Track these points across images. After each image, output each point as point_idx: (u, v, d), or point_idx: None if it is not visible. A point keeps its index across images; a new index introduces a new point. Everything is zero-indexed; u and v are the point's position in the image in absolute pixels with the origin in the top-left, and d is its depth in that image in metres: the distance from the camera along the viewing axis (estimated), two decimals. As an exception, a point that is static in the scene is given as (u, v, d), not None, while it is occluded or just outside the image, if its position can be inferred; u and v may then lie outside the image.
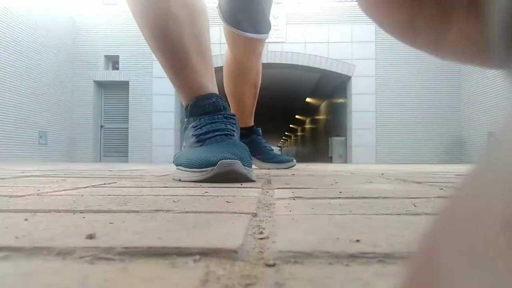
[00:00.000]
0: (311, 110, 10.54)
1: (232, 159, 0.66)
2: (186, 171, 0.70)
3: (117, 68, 5.93)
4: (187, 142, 0.82)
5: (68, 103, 5.71)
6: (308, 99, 9.18)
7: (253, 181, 0.68)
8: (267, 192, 0.52)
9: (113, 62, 6.03)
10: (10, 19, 4.49)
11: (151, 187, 0.57)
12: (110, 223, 0.26)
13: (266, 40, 1.31)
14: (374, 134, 5.77)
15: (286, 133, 17.89)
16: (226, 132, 0.77)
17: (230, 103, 1.43)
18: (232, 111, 0.97)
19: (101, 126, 6.04)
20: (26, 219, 0.27)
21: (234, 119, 0.82)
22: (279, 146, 24.02)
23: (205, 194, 0.46)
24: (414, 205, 0.37)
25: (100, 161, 5.87)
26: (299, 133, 15.34)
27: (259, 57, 1.37)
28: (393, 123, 5.76)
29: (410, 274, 0.08)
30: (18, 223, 0.26)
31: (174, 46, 0.80)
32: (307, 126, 12.47)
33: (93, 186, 0.60)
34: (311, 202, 0.39)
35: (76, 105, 5.81)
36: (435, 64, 5.66)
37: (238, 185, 0.61)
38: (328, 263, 0.17)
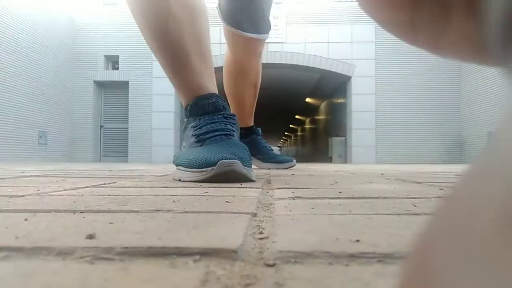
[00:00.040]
0: (311, 110, 10.54)
1: (232, 159, 0.66)
2: (186, 171, 0.70)
3: (117, 68, 5.93)
4: (187, 142, 0.82)
5: (68, 103, 5.71)
6: (308, 99, 9.18)
7: (253, 181, 0.68)
8: (267, 192, 0.52)
9: (113, 62, 6.03)
10: (10, 19, 4.49)
11: (151, 187, 0.57)
12: (110, 223, 0.26)
13: (266, 40, 1.31)
14: (374, 134, 5.77)
15: (286, 133, 17.90)
16: (226, 132, 0.77)
17: (230, 103, 1.43)
18: (232, 111, 0.97)
19: (101, 126, 6.04)
20: (26, 219, 0.27)
21: (234, 119, 0.82)
22: (279, 146, 24.02)
23: (205, 194, 0.46)
24: (414, 205, 0.37)
25: (100, 161, 5.87)
26: (299, 133, 15.34)
27: (259, 57, 1.37)
28: (393, 123, 5.76)
29: (407, 274, 0.08)
30: (18, 223, 0.26)
31: (174, 46, 0.80)
32: (307, 126, 12.47)
33: (93, 186, 0.60)
34: (311, 202, 0.39)
35: (76, 105, 5.81)
36: (435, 64, 5.66)
37: (238, 185, 0.61)
38: (328, 263, 0.17)
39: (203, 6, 0.85)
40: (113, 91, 6.00)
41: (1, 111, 4.39)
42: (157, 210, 0.32)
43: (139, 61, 5.77)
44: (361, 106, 5.80)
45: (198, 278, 0.15)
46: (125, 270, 0.16)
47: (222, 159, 0.65)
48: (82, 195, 0.44)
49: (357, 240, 0.21)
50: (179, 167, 0.75)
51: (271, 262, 0.17)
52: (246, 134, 1.48)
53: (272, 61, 5.79)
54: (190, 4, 0.81)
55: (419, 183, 0.72)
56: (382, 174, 1.09)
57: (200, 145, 0.76)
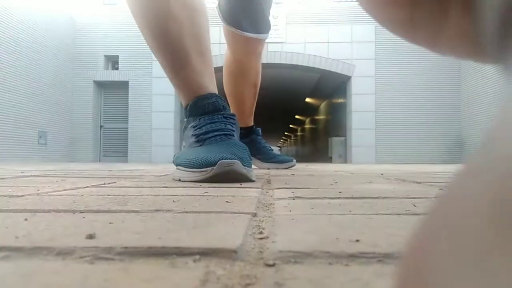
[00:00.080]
0: (311, 110, 10.54)
1: (231, 159, 0.66)
2: (186, 171, 0.70)
3: (117, 68, 5.93)
4: (186, 142, 0.82)
5: (68, 103, 5.71)
6: (308, 99, 9.18)
7: (253, 181, 0.68)
8: (267, 192, 0.52)
9: (112, 62, 6.02)
10: (10, 19, 4.49)
11: (150, 187, 0.57)
12: (110, 223, 0.26)
13: (266, 40, 1.31)
14: (374, 134, 5.77)
15: (286, 133, 17.90)
16: (225, 132, 0.77)
17: (229, 103, 1.43)
18: (231, 111, 0.97)
19: (101, 126, 6.04)
20: (26, 219, 0.27)
21: (234, 119, 0.82)
22: (279, 146, 24.02)
23: (205, 194, 0.46)
24: (414, 205, 0.37)
25: (99, 161, 5.87)
26: (299, 133, 15.35)
27: (259, 57, 1.37)
28: (393, 123, 5.76)
29: (402, 274, 0.08)
30: (18, 223, 0.26)
31: (174, 46, 0.80)
32: (307, 126, 12.47)
33: (93, 186, 0.60)
34: (311, 202, 0.39)
35: (76, 105, 5.81)
36: (435, 64, 5.66)
37: (238, 185, 0.61)
38: (328, 263, 0.17)
39: (203, 6, 0.85)
40: (113, 91, 6.00)
41: (1, 111, 4.39)
42: (157, 210, 0.32)
43: (139, 61, 5.77)
44: (361, 106, 5.80)
45: (198, 278, 0.15)
46: (125, 270, 0.16)
47: (222, 159, 0.65)
48: (82, 195, 0.44)
49: (357, 240, 0.21)
50: (179, 167, 0.75)
51: (271, 262, 0.17)
52: (246, 134, 1.48)
53: (272, 61, 5.79)
54: (190, 4, 0.81)
55: (419, 183, 0.72)
56: (382, 174, 1.09)
57: (200, 145, 0.76)
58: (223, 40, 1.34)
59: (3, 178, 0.80)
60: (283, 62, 5.86)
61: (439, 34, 0.22)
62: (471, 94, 5.51)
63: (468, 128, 5.60)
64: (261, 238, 0.22)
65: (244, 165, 0.67)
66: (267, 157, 1.53)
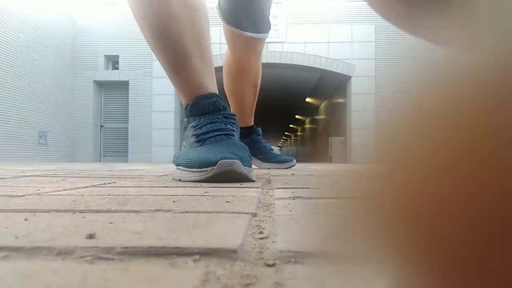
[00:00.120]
0: (311, 110, 10.53)
1: (232, 159, 0.66)
2: (186, 171, 0.70)
3: (117, 68, 5.93)
4: (187, 142, 0.82)
5: (68, 103, 5.71)
6: (308, 99, 9.17)
7: (253, 181, 0.68)
8: (267, 192, 0.52)
9: (113, 62, 6.02)
10: (10, 19, 4.49)
11: (151, 187, 0.57)
12: (110, 223, 0.26)
13: (266, 40, 1.31)
14: (374, 134, 5.77)
15: (286, 133, 17.90)
16: (226, 132, 0.77)
17: (230, 103, 1.43)
18: (232, 111, 0.97)
19: (101, 126, 6.04)
20: (26, 219, 0.27)
21: (234, 119, 0.82)
22: (279, 146, 24.02)
23: (205, 194, 0.46)
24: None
25: (100, 161, 5.87)
26: (299, 133, 15.35)
27: (259, 56, 1.37)
28: (393, 123, 5.76)
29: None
30: (18, 223, 0.26)
31: (174, 46, 0.80)
32: (307, 126, 12.47)
33: (93, 186, 0.60)
34: (311, 202, 0.39)
35: (76, 105, 5.81)
36: (435, 64, 5.65)
37: (238, 185, 0.61)
38: (328, 262, 0.17)
39: (204, 6, 0.85)
40: (113, 91, 6.00)
41: (1, 111, 4.39)
42: (157, 210, 0.32)
43: (139, 61, 5.77)
44: (361, 106, 5.80)
45: (198, 278, 0.15)
46: (125, 270, 0.16)
47: (222, 159, 0.65)
48: (82, 195, 0.44)
49: (357, 240, 0.21)
50: (179, 167, 0.75)
51: (271, 262, 0.17)
52: (246, 134, 1.48)
53: (272, 61, 5.78)
54: (190, 5, 0.81)
55: (419, 183, 0.72)
56: (382, 174, 1.09)
57: (200, 145, 0.76)
58: (223, 40, 1.34)
59: (3, 178, 0.80)
60: (283, 62, 5.86)
61: (440, 26, 0.23)
62: (471, 94, 5.51)
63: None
64: (261, 238, 0.22)
65: (244, 165, 0.67)
66: (267, 157, 1.53)
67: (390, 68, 5.77)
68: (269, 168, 1.49)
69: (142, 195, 0.45)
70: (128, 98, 5.86)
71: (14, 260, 0.17)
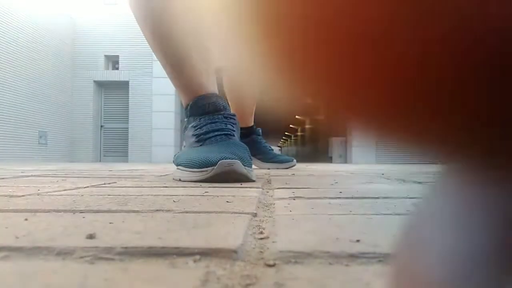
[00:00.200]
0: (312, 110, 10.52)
1: (232, 159, 0.66)
2: (186, 171, 0.70)
3: (117, 68, 5.93)
4: (187, 142, 0.82)
5: (68, 103, 5.71)
6: (308, 99, 9.16)
7: (253, 181, 0.68)
8: (267, 192, 0.52)
9: (113, 62, 6.02)
10: (10, 19, 4.49)
11: (151, 187, 0.57)
12: (110, 223, 0.26)
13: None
14: (374, 134, 5.77)
15: (286, 133, 17.90)
16: (226, 132, 0.77)
17: (230, 103, 1.43)
18: (232, 111, 0.97)
19: (101, 126, 6.04)
20: (26, 219, 0.27)
21: (234, 119, 0.82)
22: (279, 146, 24.02)
23: (205, 194, 0.46)
24: (414, 205, 0.37)
25: (100, 161, 5.87)
26: (299, 133, 15.34)
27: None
28: (393, 123, 5.76)
29: (394, 272, 0.08)
30: (18, 223, 0.26)
31: (175, 47, 0.80)
32: (307, 126, 12.47)
33: (93, 186, 0.60)
34: (311, 202, 0.39)
35: (76, 105, 5.81)
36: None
37: (238, 185, 0.61)
38: (328, 263, 0.17)
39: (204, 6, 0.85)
40: (113, 91, 6.00)
41: (1, 111, 4.39)
42: (157, 210, 0.32)
43: (139, 61, 5.77)
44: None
45: (198, 278, 0.15)
46: (125, 270, 0.16)
47: (222, 159, 0.65)
48: (82, 195, 0.44)
49: (357, 240, 0.21)
50: (179, 167, 0.75)
51: (271, 262, 0.17)
52: (246, 134, 1.48)
53: (272, 61, 5.78)
54: (191, 5, 0.81)
55: (420, 183, 0.72)
56: (382, 174, 1.09)
57: (201, 145, 0.76)
58: (223, 40, 1.34)
59: (3, 178, 0.80)
60: (283, 62, 5.86)
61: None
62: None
63: (468, 128, 5.60)
64: (261, 238, 0.22)
65: (244, 165, 0.67)
66: (267, 157, 1.53)
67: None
68: (269, 168, 1.49)
69: (142, 195, 0.45)
70: (128, 98, 5.86)
71: (14, 260, 0.17)
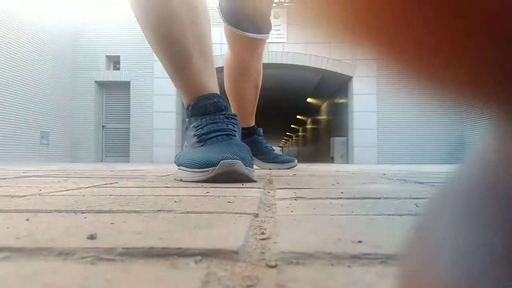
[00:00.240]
0: (313, 110, 10.53)
1: (233, 159, 0.66)
2: (188, 171, 0.70)
3: (118, 68, 5.94)
4: (188, 142, 0.82)
5: (69, 104, 5.73)
6: (309, 99, 9.17)
7: (255, 181, 0.68)
8: (269, 192, 0.52)
9: (114, 62, 6.04)
10: (12, 20, 4.50)
11: (152, 187, 0.57)
12: (112, 223, 0.26)
13: (267, 40, 1.31)
14: (376, 134, 5.77)
15: (287, 133, 17.90)
16: (227, 132, 0.77)
17: (231, 103, 1.43)
18: (233, 111, 0.97)
19: (103, 126, 6.05)
20: (27, 219, 0.27)
21: (236, 119, 0.82)
22: (280, 146, 24.02)
23: (207, 194, 0.46)
24: (416, 206, 0.37)
25: (101, 161, 5.88)
26: (300, 133, 15.34)
27: (260, 57, 1.37)
28: (394, 123, 5.75)
29: (402, 274, 0.08)
30: (20, 223, 0.26)
31: (176, 47, 0.80)
32: (309, 126, 12.46)
33: (95, 186, 0.60)
34: (313, 203, 0.39)
35: (77, 105, 5.82)
36: (436, 64, 5.65)
37: (240, 185, 0.61)
38: (330, 264, 0.17)
39: (205, 6, 0.85)
40: (115, 91, 6.01)
41: (3, 112, 4.40)
42: (158, 210, 0.32)
43: (140, 61, 5.78)
44: (363, 106, 5.79)
45: (199, 279, 0.15)
46: (126, 271, 0.16)
47: (224, 159, 0.65)
48: (84, 195, 0.44)
49: (359, 241, 0.21)
50: (180, 167, 0.75)
51: (272, 263, 0.17)
52: (248, 134, 1.48)
53: (273, 61, 5.78)
54: (191, 5, 0.81)
55: (421, 183, 0.72)
56: (384, 174, 1.09)
57: (202, 145, 0.76)
58: (224, 40, 1.34)
59: (5, 178, 0.80)
60: (284, 62, 5.86)
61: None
62: (473, 94, 5.49)
63: (470, 129, 5.59)
64: (262, 239, 0.22)
65: (245, 165, 0.67)
66: (268, 157, 1.53)
67: (392, 68, 5.76)
68: (270, 169, 1.49)
69: (143, 195, 0.45)
70: (129, 99, 5.87)
71: (15, 260, 0.17)
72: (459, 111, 5.45)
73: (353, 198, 0.43)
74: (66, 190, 0.51)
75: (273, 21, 1.30)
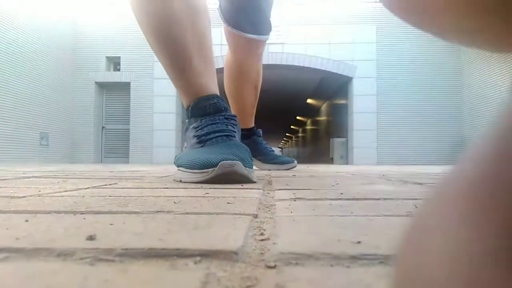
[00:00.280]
0: (312, 111, 10.53)
1: (233, 160, 0.66)
2: (187, 172, 0.70)
3: (119, 69, 5.94)
4: (188, 143, 0.82)
5: (69, 104, 5.73)
6: (309, 100, 9.17)
7: (254, 182, 0.68)
8: (268, 193, 0.52)
9: (114, 63, 6.04)
10: (12, 21, 4.50)
11: (152, 188, 0.57)
12: (111, 224, 0.26)
13: (267, 41, 1.31)
14: (375, 135, 5.77)
15: (287, 134, 17.90)
16: (227, 133, 0.77)
17: (230, 104, 1.43)
18: (232, 112, 0.97)
19: (103, 127, 6.05)
20: (26, 220, 0.27)
21: (235, 120, 0.82)
22: (280, 147, 24.01)
23: (206, 195, 0.46)
24: (416, 207, 0.37)
25: (101, 162, 5.88)
26: (300, 134, 15.34)
27: (260, 58, 1.37)
28: (394, 124, 5.75)
29: (396, 273, 0.08)
30: (19, 224, 0.26)
31: (176, 48, 0.80)
32: (308, 127, 12.47)
33: (94, 187, 0.60)
34: (312, 203, 0.39)
35: (77, 106, 5.82)
36: (437, 65, 5.65)
37: (239, 186, 0.61)
38: (329, 264, 0.17)
39: (205, 7, 0.85)
40: (115, 92, 6.01)
41: (3, 113, 4.40)
42: (158, 211, 0.32)
43: (140, 62, 5.78)
44: (363, 107, 5.79)
45: (198, 279, 0.15)
46: (125, 272, 0.16)
47: (223, 160, 0.65)
48: (83, 196, 0.44)
49: (359, 242, 0.21)
50: (180, 168, 0.75)
51: (272, 264, 0.17)
52: (247, 135, 1.48)
53: (273, 62, 5.79)
54: (192, 6, 0.81)
55: (421, 184, 0.72)
56: (383, 175, 1.09)
57: (202, 146, 0.76)
58: (224, 41, 1.34)
59: (4, 179, 0.80)
60: (284, 63, 5.86)
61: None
62: (473, 95, 5.50)
63: (469, 129, 5.59)
64: (262, 240, 0.22)
65: (245, 166, 0.67)
66: (268, 158, 1.53)
67: (392, 69, 5.77)
68: (269, 170, 1.49)
69: (143, 196, 0.45)
70: (129, 99, 5.87)
71: (15, 261, 0.17)
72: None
73: (353, 199, 0.43)
74: (66, 191, 0.51)
75: (272, 22, 1.30)
